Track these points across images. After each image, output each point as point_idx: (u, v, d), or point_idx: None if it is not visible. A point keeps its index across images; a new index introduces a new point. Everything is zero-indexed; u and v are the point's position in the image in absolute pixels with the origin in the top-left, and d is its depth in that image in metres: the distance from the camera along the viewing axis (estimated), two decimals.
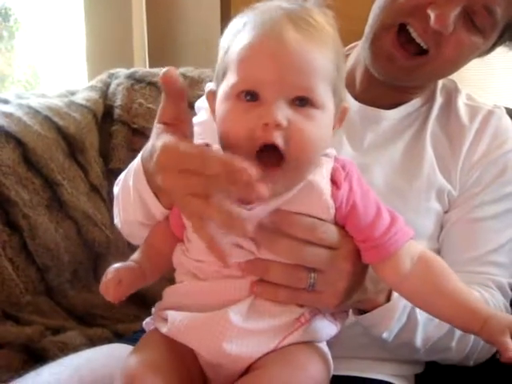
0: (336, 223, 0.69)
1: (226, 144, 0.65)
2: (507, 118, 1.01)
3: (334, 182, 0.68)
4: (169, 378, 0.66)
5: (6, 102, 1.37)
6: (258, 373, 0.66)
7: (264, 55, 0.62)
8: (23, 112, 1.34)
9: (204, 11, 1.77)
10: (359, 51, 1.00)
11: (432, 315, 0.73)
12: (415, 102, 1.00)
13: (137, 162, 0.75)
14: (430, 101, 1.01)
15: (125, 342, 0.96)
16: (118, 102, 1.46)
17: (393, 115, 0.99)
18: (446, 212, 0.96)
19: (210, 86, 1.02)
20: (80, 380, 0.83)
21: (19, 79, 1.96)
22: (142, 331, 0.78)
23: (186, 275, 0.72)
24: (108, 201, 1.36)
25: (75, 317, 1.28)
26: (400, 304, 0.79)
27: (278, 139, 0.61)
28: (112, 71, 1.56)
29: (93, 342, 1.15)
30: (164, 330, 0.70)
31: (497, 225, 0.95)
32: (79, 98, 1.45)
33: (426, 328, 0.83)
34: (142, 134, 1.40)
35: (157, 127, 0.69)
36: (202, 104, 1.02)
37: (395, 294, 0.78)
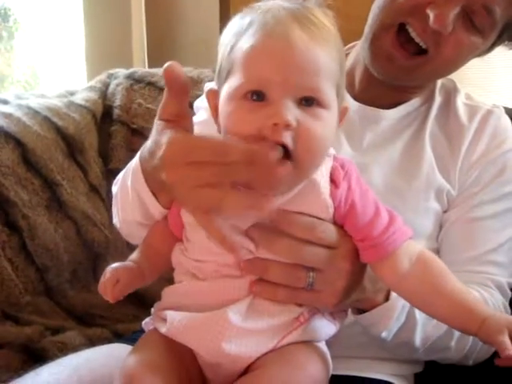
0: (335, 222, 0.69)
1: None
2: (506, 117, 1.01)
3: (333, 181, 0.68)
4: (168, 378, 0.66)
5: (5, 102, 1.37)
6: (257, 373, 0.66)
7: (271, 55, 0.63)
8: (22, 112, 1.34)
9: (203, 11, 1.77)
10: (358, 51, 1.00)
11: (430, 315, 0.73)
12: (414, 102, 1.01)
13: (135, 161, 0.74)
14: (429, 100, 1.01)
15: (124, 342, 0.96)
16: (118, 102, 1.46)
17: (392, 115, 0.99)
18: (445, 212, 0.96)
19: (209, 86, 1.02)
20: (79, 380, 0.83)
21: (18, 79, 1.96)
22: (142, 331, 0.78)
23: (185, 275, 0.72)
24: (107, 201, 1.36)
25: (75, 317, 1.28)
26: (399, 303, 0.79)
27: (288, 139, 0.61)
28: (111, 71, 1.56)
29: (92, 342, 1.15)
30: (163, 329, 0.70)
31: (496, 224, 0.95)
32: (78, 99, 1.45)
33: (425, 327, 0.83)
34: (142, 135, 1.40)
35: (158, 124, 0.69)
36: (201, 104, 1.02)
37: (394, 294, 0.78)
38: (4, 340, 1.15)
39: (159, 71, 1.53)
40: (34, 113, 1.35)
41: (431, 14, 0.86)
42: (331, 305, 0.71)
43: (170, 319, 0.70)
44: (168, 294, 0.74)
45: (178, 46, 1.84)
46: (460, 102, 1.01)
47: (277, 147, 0.60)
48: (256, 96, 0.63)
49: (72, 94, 1.48)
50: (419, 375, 1.01)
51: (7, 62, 1.92)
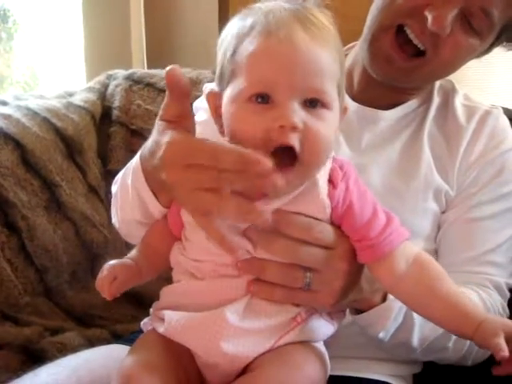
0: (332, 223, 0.69)
1: (238, 145, 0.65)
2: (504, 117, 1.01)
3: (331, 182, 0.68)
4: (165, 378, 0.66)
5: (4, 103, 1.37)
6: (254, 373, 0.66)
7: (276, 58, 0.63)
8: (22, 113, 1.34)
9: (202, 12, 1.78)
10: (357, 51, 1.00)
11: (426, 318, 0.72)
12: (412, 103, 1.01)
13: (135, 160, 0.75)
14: (428, 101, 1.01)
15: (123, 343, 0.96)
16: (117, 103, 1.47)
17: (390, 115, 0.99)
18: (443, 212, 0.96)
19: (208, 87, 1.02)
20: (78, 380, 0.83)
21: (18, 80, 1.96)
22: (140, 331, 0.78)
23: (184, 274, 0.72)
24: (106, 202, 1.36)
25: (74, 317, 1.28)
26: (396, 304, 0.79)
27: (295, 141, 0.62)
28: (110, 72, 1.56)
29: (91, 343, 1.15)
30: (161, 329, 0.71)
31: (494, 225, 0.95)
32: (77, 100, 1.45)
33: (423, 328, 0.83)
34: (141, 135, 1.40)
35: (159, 124, 0.69)
36: (200, 104, 1.02)
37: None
38: (3, 341, 1.15)
39: (158, 72, 1.53)
40: (33, 114, 1.35)
41: (429, 16, 0.86)
42: (328, 305, 0.72)
43: (168, 319, 0.70)
44: (166, 293, 0.74)
45: (176, 47, 1.84)
46: (458, 102, 1.01)
47: (268, 159, 0.60)
48: (261, 98, 0.63)
49: (71, 94, 1.48)
50: (418, 376, 1.01)
51: (6, 62, 1.92)
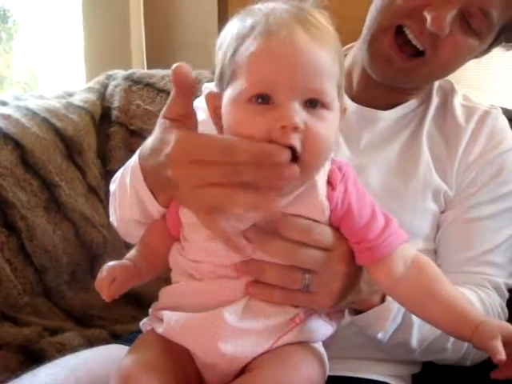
0: (330, 224, 0.69)
1: None
2: (503, 118, 1.01)
3: (330, 184, 0.68)
4: (164, 378, 0.66)
5: (4, 103, 1.37)
6: (253, 374, 0.66)
7: (277, 59, 0.63)
8: (21, 114, 1.34)
9: (202, 13, 1.78)
10: (356, 52, 1.00)
11: (424, 320, 0.72)
12: (411, 103, 1.01)
13: (134, 159, 0.74)
14: (427, 101, 1.01)
15: (122, 343, 0.96)
16: (116, 103, 1.47)
17: (389, 116, 0.99)
18: (442, 212, 0.96)
19: (207, 87, 1.02)
20: (77, 381, 0.83)
21: (18, 81, 1.97)
22: (139, 332, 0.78)
23: (182, 275, 0.72)
24: (106, 202, 1.35)
25: (73, 318, 1.28)
26: (395, 305, 0.79)
27: (296, 141, 0.62)
28: (110, 73, 1.56)
29: (90, 343, 1.15)
30: (160, 330, 0.71)
31: (493, 225, 0.95)
32: (77, 100, 1.45)
33: (422, 329, 0.83)
34: (140, 136, 1.40)
35: (162, 122, 0.69)
36: (199, 104, 1.02)
37: None
38: (2, 341, 1.15)
39: (158, 72, 1.53)
40: (32, 114, 1.36)
41: (428, 17, 0.86)
42: (327, 306, 0.72)
43: (167, 319, 0.70)
44: (165, 294, 0.74)
45: (176, 47, 1.84)
46: (457, 102, 1.01)
47: (285, 149, 0.61)
48: (261, 99, 0.63)
49: (70, 95, 1.48)
50: (417, 376, 1.01)
51: (6, 63, 1.92)
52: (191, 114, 0.69)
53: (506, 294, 0.95)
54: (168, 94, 1.36)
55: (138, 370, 0.66)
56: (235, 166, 0.61)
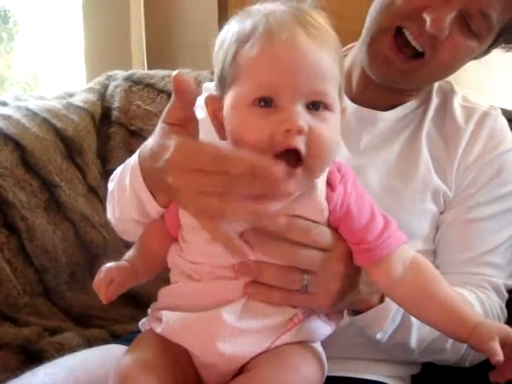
0: (329, 225, 0.69)
1: (242, 148, 0.65)
2: (503, 118, 1.01)
3: (329, 184, 0.68)
4: (162, 377, 0.66)
5: (4, 104, 1.37)
6: (251, 373, 0.66)
7: (280, 61, 0.63)
8: (21, 114, 1.34)
9: (202, 13, 1.78)
10: (356, 52, 1.00)
11: (422, 321, 0.73)
12: (411, 104, 1.01)
13: (134, 160, 0.74)
14: (426, 102, 1.01)
15: (121, 343, 0.96)
16: (116, 103, 1.47)
17: (389, 117, 0.99)
18: (441, 213, 0.96)
19: (207, 86, 1.02)
20: (76, 380, 0.83)
21: (18, 81, 1.97)
22: (138, 332, 0.78)
23: (181, 276, 0.72)
24: (105, 202, 1.36)
25: (72, 318, 1.28)
26: (394, 305, 0.78)
27: (301, 144, 0.62)
28: (110, 73, 1.56)
29: (90, 343, 1.15)
30: (158, 330, 0.71)
31: (492, 226, 0.95)
32: (77, 100, 1.45)
33: (421, 329, 0.83)
34: (140, 136, 1.40)
35: (162, 126, 0.69)
36: (198, 102, 1.02)
37: None
38: (2, 341, 1.15)
39: (158, 73, 1.54)
40: (32, 114, 1.36)
41: (428, 18, 0.86)
42: (325, 307, 0.72)
43: (166, 319, 0.70)
44: (164, 294, 0.74)
45: (176, 47, 1.84)
46: (457, 103, 1.01)
47: (284, 159, 0.61)
48: (264, 102, 0.63)
49: (71, 95, 1.48)
50: (416, 377, 1.01)
51: (7, 63, 1.92)
52: (192, 118, 0.69)
53: (506, 295, 0.95)
54: (168, 94, 1.36)
55: (136, 370, 0.66)
56: (231, 177, 0.60)
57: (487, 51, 0.97)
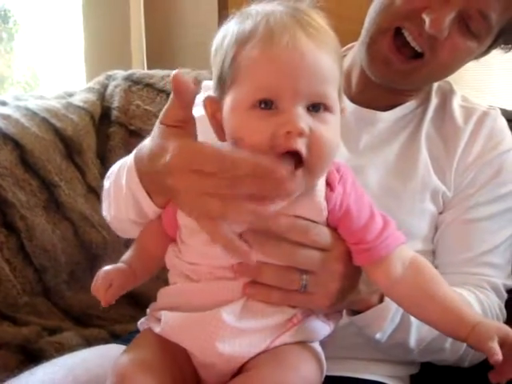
0: (328, 225, 0.69)
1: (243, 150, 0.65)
2: (502, 119, 1.01)
3: (329, 185, 0.68)
4: (160, 377, 0.66)
5: (3, 103, 1.38)
6: (250, 373, 0.66)
7: (280, 63, 0.62)
8: (21, 114, 1.34)
9: (202, 13, 1.78)
10: (355, 53, 1.00)
11: (421, 320, 0.73)
12: (410, 104, 1.01)
13: (130, 160, 0.74)
14: (425, 102, 1.01)
15: (120, 343, 0.96)
16: (116, 103, 1.47)
17: (388, 117, 0.99)
18: (440, 213, 0.96)
19: (206, 84, 1.02)
20: (75, 380, 0.83)
21: (18, 81, 1.97)
22: (138, 332, 0.78)
23: (179, 277, 0.72)
24: None
25: (72, 317, 1.28)
26: (393, 305, 0.78)
27: (302, 146, 0.62)
28: (110, 73, 1.56)
29: (89, 343, 1.15)
30: (157, 329, 0.71)
31: (492, 226, 0.95)
32: (77, 100, 1.45)
33: (420, 329, 0.83)
34: (139, 136, 1.40)
35: (160, 128, 0.68)
36: (197, 100, 1.02)
37: None
38: (1, 340, 1.15)
39: (157, 73, 1.53)
40: (32, 114, 1.36)
41: (427, 19, 0.87)
42: (324, 307, 0.72)
43: (165, 319, 0.70)
44: (163, 294, 0.74)
45: (176, 47, 1.84)
46: (456, 103, 1.01)
47: (285, 161, 0.61)
48: (264, 104, 0.63)
49: (70, 95, 1.48)
50: (415, 376, 1.01)
51: (7, 63, 1.92)
52: (190, 119, 0.69)
53: (505, 295, 0.95)
54: (168, 94, 1.36)
55: (133, 369, 0.66)
56: (233, 179, 0.61)
57: (486, 52, 0.97)
